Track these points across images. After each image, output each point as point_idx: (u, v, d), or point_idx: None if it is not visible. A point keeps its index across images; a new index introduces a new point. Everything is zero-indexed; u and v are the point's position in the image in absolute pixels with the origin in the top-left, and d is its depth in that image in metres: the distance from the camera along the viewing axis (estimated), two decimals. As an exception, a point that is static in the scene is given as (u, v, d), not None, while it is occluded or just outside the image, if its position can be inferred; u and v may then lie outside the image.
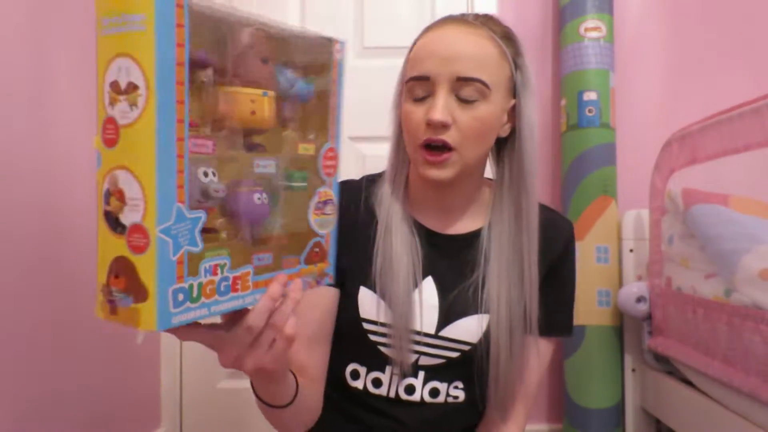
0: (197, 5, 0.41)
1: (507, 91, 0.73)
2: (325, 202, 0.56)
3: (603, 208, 1.46)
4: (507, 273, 0.75)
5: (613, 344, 1.45)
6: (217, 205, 0.45)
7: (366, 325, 0.76)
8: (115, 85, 0.43)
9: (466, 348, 0.76)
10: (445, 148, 0.70)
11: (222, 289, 0.46)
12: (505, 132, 0.75)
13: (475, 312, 0.75)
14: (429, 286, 0.77)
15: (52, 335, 1.06)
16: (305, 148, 0.53)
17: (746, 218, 1.09)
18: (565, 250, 0.81)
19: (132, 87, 0.41)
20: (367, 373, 0.78)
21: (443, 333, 0.76)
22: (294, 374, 0.69)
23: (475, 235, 0.78)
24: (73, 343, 1.13)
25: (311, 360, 0.77)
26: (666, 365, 1.35)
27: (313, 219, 0.54)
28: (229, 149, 0.46)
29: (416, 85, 0.71)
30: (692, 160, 1.19)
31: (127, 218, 0.43)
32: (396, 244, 0.75)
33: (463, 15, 0.75)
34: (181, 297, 0.43)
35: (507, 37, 0.73)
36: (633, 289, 1.37)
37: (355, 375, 0.79)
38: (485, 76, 0.69)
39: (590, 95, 1.48)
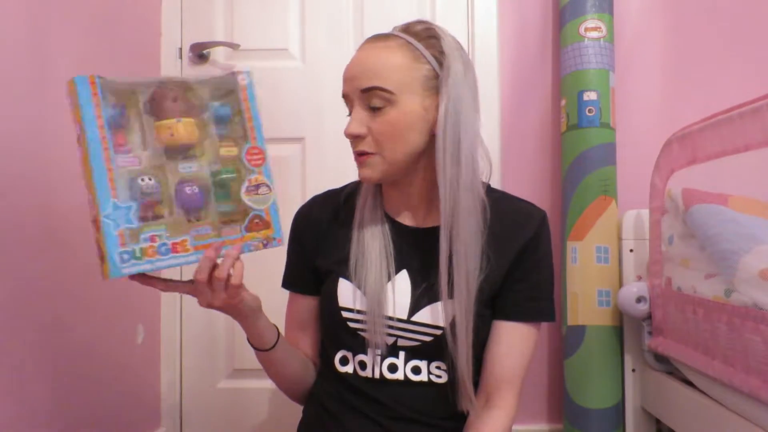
0: (108, 81, 0.67)
1: (426, 90, 0.79)
2: (257, 186, 0.75)
3: (603, 208, 1.46)
4: (468, 260, 0.80)
5: (613, 344, 1.45)
6: (159, 198, 0.69)
7: (344, 313, 0.85)
8: (77, 137, 0.68)
9: (438, 332, 0.82)
10: (365, 154, 0.80)
11: (162, 251, 0.70)
12: (433, 127, 0.80)
13: (444, 298, 0.81)
14: (403, 278, 0.85)
15: (52, 335, 1.06)
16: (227, 150, 0.73)
17: (746, 218, 1.09)
18: (536, 236, 0.85)
19: (78, 136, 0.67)
20: (354, 356, 0.86)
21: (415, 318, 0.83)
22: (277, 328, 0.87)
23: (437, 229, 0.84)
24: (73, 343, 1.13)
25: (301, 341, 0.95)
26: (666, 365, 1.35)
27: (245, 198, 0.74)
28: (156, 160, 0.69)
29: (346, 102, 0.83)
30: (692, 160, 1.19)
31: (92, 213, 0.68)
32: (368, 237, 0.85)
33: (388, 32, 0.83)
34: (125, 257, 0.67)
35: (429, 37, 0.80)
36: (633, 289, 1.37)
37: (344, 361, 0.87)
38: (386, 84, 0.77)
39: (590, 95, 1.48)
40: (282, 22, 1.66)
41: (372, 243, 0.84)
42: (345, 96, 0.82)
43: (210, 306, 0.75)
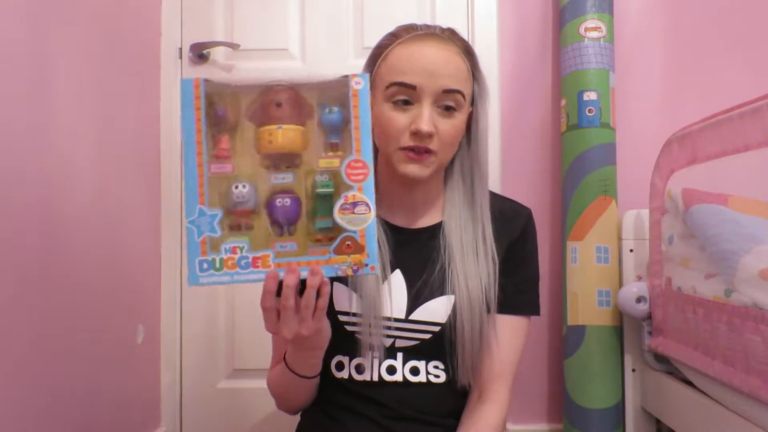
0: (214, 83, 0.66)
1: (469, 102, 0.84)
2: (354, 204, 0.68)
3: (603, 208, 1.46)
4: (467, 257, 0.83)
5: (613, 344, 1.45)
6: (251, 207, 0.66)
7: (341, 317, 0.84)
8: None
9: (436, 328, 0.83)
10: (427, 151, 0.80)
11: (242, 264, 0.65)
12: (475, 138, 0.87)
13: (441, 294, 0.83)
14: (397, 278, 0.85)
15: (52, 335, 1.06)
16: (328, 162, 0.68)
17: (746, 218, 1.09)
18: (523, 233, 0.89)
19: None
20: (350, 361, 0.86)
21: (413, 316, 0.83)
22: None
23: (437, 227, 0.87)
24: (73, 344, 1.13)
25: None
26: (666, 365, 1.35)
27: (339, 217, 0.67)
28: (253, 168, 0.67)
29: (400, 91, 0.79)
30: (692, 160, 1.19)
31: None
32: None
33: (428, 27, 0.83)
34: (205, 266, 0.65)
35: (468, 53, 0.84)
36: (633, 289, 1.37)
37: (340, 366, 0.86)
38: (463, 89, 0.80)
39: (590, 95, 1.48)
40: (282, 22, 1.66)
41: None
42: (410, 85, 0.78)
43: (297, 336, 0.69)
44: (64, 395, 1.09)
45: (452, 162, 0.87)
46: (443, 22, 1.66)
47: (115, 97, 1.33)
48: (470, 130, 0.86)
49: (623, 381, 1.47)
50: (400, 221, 0.89)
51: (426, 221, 0.89)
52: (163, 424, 1.59)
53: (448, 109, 0.79)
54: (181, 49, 1.65)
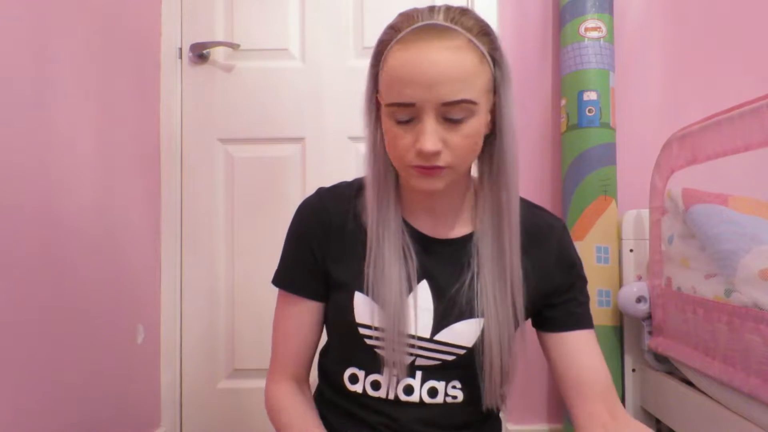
0: None
1: (489, 92, 0.71)
2: None
3: (603, 208, 1.46)
4: (497, 275, 0.75)
5: (613, 344, 1.45)
6: None
7: (362, 330, 0.76)
8: None
9: (462, 351, 0.76)
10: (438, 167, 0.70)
11: None
12: (487, 129, 0.74)
13: (471, 316, 0.76)
14: (424, 289, 0.78)
15: (52, 335, 1.06)
16: None
17: (746, 218, 1.09)
18: (566, 246, 0.81)
19: None
20: (366, 376, 0.79)
21: (438, 337, 0.76)
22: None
23: (467, 239, 0.79)
24: (73, 344, 1.13)
25: (292, 348, 0.83)
26: (666, 365, 1.35)
27: None
28: None
29: (399, 111, 0.68)
30: (692, 160, 1.19)
31: None
32: (388, 249, 0.76)
33: (431, 13, 0.69)
34: None
35: (483, 33, 0.70)
36: (633, 289, 1.37)
37: (354, 379, 0.80)
38: (470, 94, 0.67)
39: (590, 95, 1.48)
40: (282, 22, 1.66)
41: (391, 255, 0.76)
42: (406, 103, 0.68)
43: None
44: (65, 395, 1.09)
45: (482, 160, 0.77)
46: (443, 22, 1.67)
47: (115, 97, 1.33)
48: (495, 122, 0.75)
49: (623, 381, 1.47)
50: (426, 229, 0.80)
51: (454, 231, 0.80)
52: (163, 424, 1.59)
53: (455, 121, 0.68)
54: (181, 49, 1.65)
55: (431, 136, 0.67)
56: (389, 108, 0.70)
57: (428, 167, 0.69)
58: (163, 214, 1.60)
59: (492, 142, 0.75)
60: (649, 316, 1.37)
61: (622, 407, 0.79)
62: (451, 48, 0.67)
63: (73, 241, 1.12)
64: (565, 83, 1.53)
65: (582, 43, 1.49)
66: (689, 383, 1.23)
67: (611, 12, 1.52)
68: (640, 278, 1.45)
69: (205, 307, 1.64)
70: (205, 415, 1.63)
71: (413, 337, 0.76)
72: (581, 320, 0.81)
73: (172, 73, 1.62)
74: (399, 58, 0.68)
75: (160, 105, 1.61)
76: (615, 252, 1.47)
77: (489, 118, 0.74)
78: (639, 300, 1.35)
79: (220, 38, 1.65)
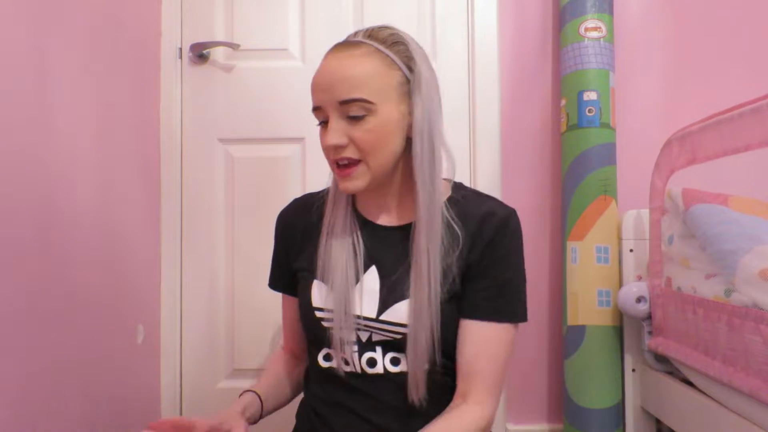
0: None
1: (401, 95, 0.80)
2: None
3: (603, 208, 1.46)
4: (431, 259, 0.81)
5: (613, 344, 1.45)
6: None
7: (317, 313, 0.87)
8: None
9: (405, 330, 0.83)
10: (350, 162, 0.80)
11: None
12: (407, 131, 0.82)
13: (407, 297, 0.83)
14: (372, 273, 0.87)
15: (52, 335, 1.06)
16: None
17: (746, 218, 1.09)
18: (498, 234, 0.84)
19: None
20: (336, 354, 0.88)
21: (383, 317, 0.84)
22: (258, 396, 0.97)
23: (410, 227, 0.85)
24: (73, 343, 1.13)
25: (291, 339, 1.04)
26: (666, 365, 1.35)
27: None
28: None
29: (316, 115, 0.81)
30: (692, 160, 1.19)
31: None
32: (336, 239, 0.87)
33: (348, 37, 0.83)
34: None
35: (396, 43, 0.80)
36: (633, 289, 1.37)
37: (328, 357, 0.90)
38: (365, 93, 0.77)
39: (590, 95, 1.48)
40: (282, 22, 1.66)
41: (339, 245, 0.86)
42: (316, 107, 0.81)
43: None
44: (64, 395, 1.09)
45: (408, 162, 0.84)
46: (443, 22, 1.67)
47: (115, 97, 1.33)
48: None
49: (623, 381, 1.47)
50: (382, 221, 0.90)
51: (400, 220, 0.89)
52: (163, 424, 1.59)
53: (356, 118, 0.78)
54: (181, 49, 1.65)
55: (332, 132, 0.79)
56: (313, 114, 0.82)
57: (342, 166, 0.81)
58: (163, 214, 1.60)
59: (417, 142, 0.82)
60: (649, 316, 1.37)
61: (484, 391, 0.82)
62: (354, 56, 0.78)
63: (73, 241, 1.12)
64: (565, 83, 1.53)
65: (582, 43, 1.49)
66: (689, 383, 1.23)
67: (611, 12, 1.52)
68: (640, 278, 1.45)
69: (205, 307, 1.64)
70: (205, 415, 1.63)
71: (360, 317, 0.84)
72: (488, 311, 0.83)
73: (172, 73, 1.62)
74: (316, 71, 0.81)
75: (160, 105, 1.61)
76: (615, 252, 1.47)
77: (409, 120, 0.82)
78: (639, 300, 1.35)
79: (220, 38, 1.65)
